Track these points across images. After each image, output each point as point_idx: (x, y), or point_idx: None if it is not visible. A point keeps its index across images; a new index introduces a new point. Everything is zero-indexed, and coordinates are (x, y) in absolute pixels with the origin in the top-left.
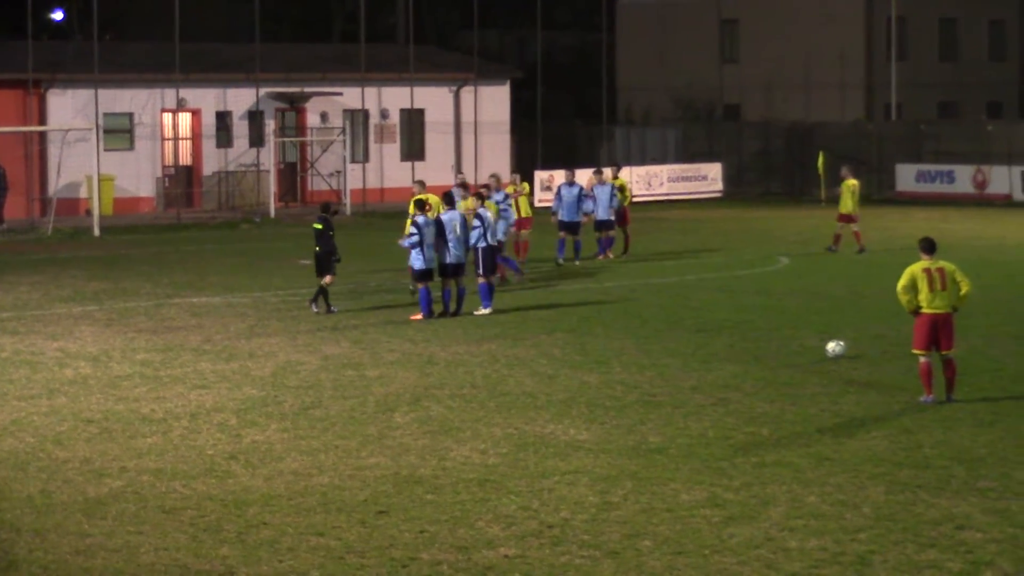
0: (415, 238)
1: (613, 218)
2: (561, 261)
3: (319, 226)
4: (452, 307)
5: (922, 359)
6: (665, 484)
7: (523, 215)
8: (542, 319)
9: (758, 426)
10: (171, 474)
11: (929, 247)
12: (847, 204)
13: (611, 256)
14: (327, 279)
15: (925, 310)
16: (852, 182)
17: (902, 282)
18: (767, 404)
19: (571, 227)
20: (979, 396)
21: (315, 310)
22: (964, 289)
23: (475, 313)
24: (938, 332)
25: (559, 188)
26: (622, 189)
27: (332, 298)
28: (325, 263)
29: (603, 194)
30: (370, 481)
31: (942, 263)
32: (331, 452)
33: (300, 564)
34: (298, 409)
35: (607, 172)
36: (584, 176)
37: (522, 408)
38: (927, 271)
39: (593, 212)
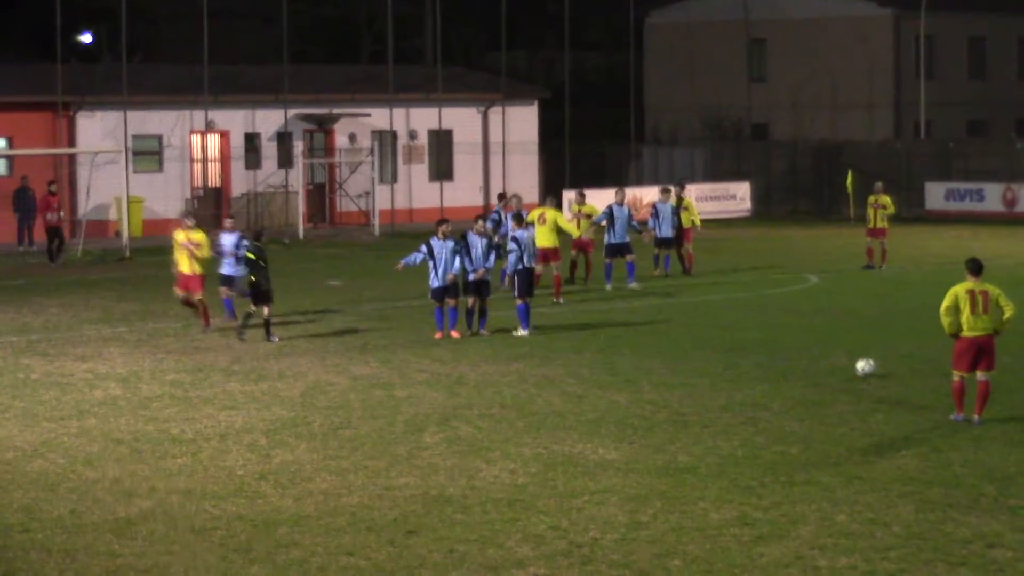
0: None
1: (673, 236)
2: (610, 287)
3: (252, 256)
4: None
5: (956, 378)
6: (695, 503)
7: (585, 236)
8: (571, 339)
9: (787, 445)
10: (201, 494)
11: (976, 268)
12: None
13: (667, 273)
14: (265, 310)
15: (966, 333)
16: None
17: (945, 303)
18: (796, 423)
19: (624, 249)
20: (1009, 415)
21: (276, 340)
22: (1008, 313)
23: (514, 334)
24: (979, 354)
25: (611, 208)
26: (687, 208)
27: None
28: (263, 292)
29: (666, 211)
30: (399, 501)
31: (987, 286)
32: (360, 472)
33: None
34: (327, 429)
35: (673, 191)
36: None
37: (551, 428)
38: (971, 292)
39: (653, 228)
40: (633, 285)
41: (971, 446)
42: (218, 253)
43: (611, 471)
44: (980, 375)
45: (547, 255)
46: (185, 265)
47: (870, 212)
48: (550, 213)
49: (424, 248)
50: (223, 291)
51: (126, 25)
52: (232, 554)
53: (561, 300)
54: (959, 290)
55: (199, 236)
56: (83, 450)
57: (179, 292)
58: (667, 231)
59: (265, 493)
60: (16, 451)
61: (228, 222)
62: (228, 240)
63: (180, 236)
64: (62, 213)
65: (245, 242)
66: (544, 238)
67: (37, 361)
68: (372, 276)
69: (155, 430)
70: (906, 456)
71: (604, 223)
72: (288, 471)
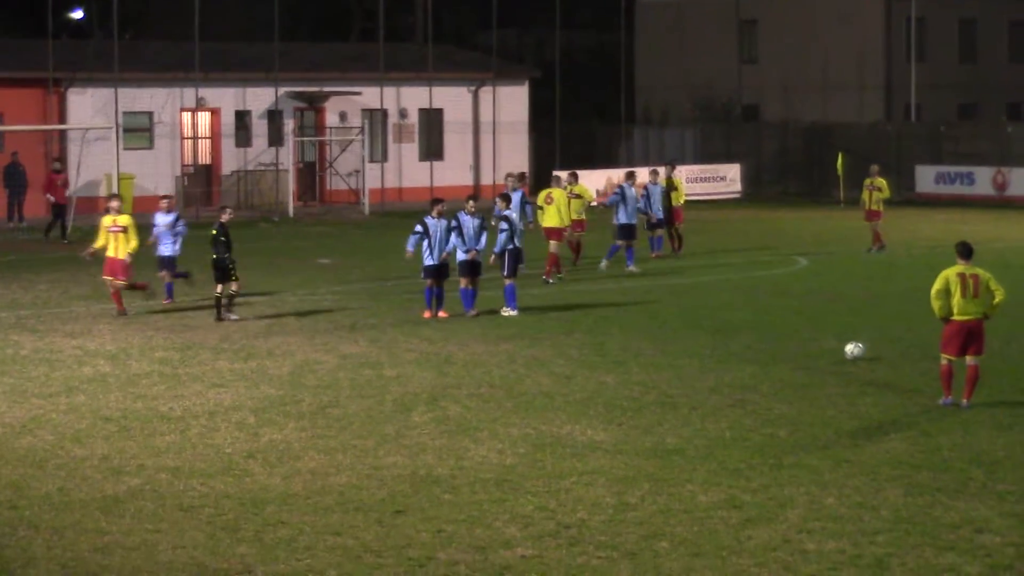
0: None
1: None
2: (605, 266)
3: (214, 231)
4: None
5: (944, 361)
6: (682, 485)
7: (575, 217)
8: (560, 319)
9: (776, 428)
10: (189, 472)
11: (966, 252)
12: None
13: (659, 254)
14: (234, 286)
15: (956, 316)
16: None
17: (936, 286)
18: (785, 406)
19: (632, 232)
20: (998, 399)
21: (235, 318)
22: (998, 298)
23: (502, 314)
24: (968, 339)
25: (622, 188)
26: (676, 188)
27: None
28: (224, 270)
29: (657, 193)
30: (387, 480)
31: (977, 270)
32: (349, 451)
33: (317, 563)
34: (316, 408)
35: (662, 172)
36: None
37: (540, 408)
38: (961, 276)
39: (651, 211)
40: (632, 268)
41: (960, 430)
42: (155, 233)
43: (599, 452)
44: (970, 359)
45: (550, 234)
46: (111, 249)
47: (866, 195)
48: (556, 193)
49: (419, 227)
50: (164, 276)
51: (117, 2)
52: (220, 532)
53: (551, 280)
54: (950, 273)
55: (125, 219)
56: (72, 427)
57: (107, 278)
58: (658, 212)
59: (253, 471)
60: (4, 427)
61: (164, 203)
62: (164, 220)
63: (107, 220)
64: (68, 192)
65: (182, 222)
66: (551, 218)
67: (26, 337)
68: (362, 255)
69: (144, 407)
70: (895, 440)
71: (614, 203)
72: (276, 450)
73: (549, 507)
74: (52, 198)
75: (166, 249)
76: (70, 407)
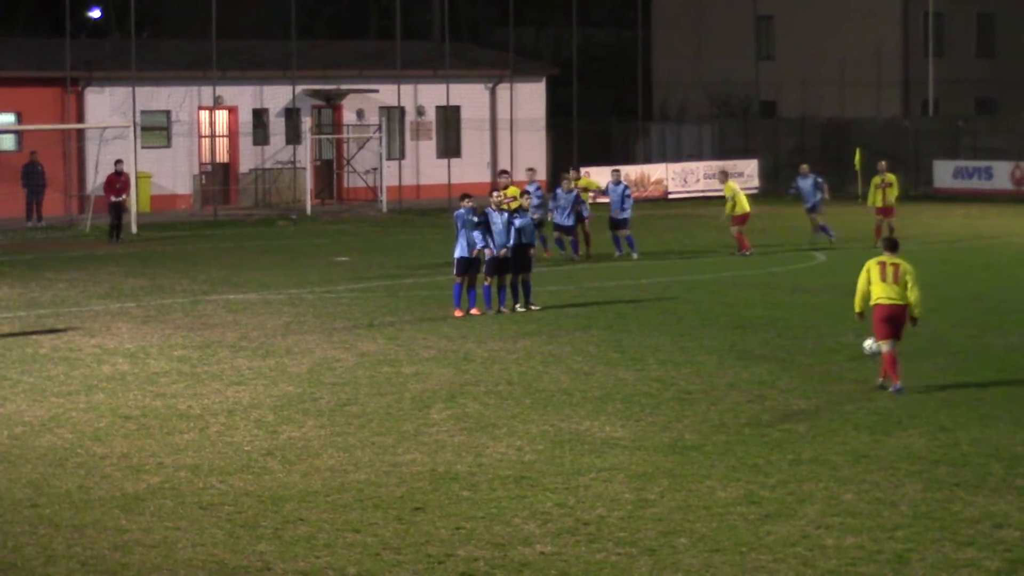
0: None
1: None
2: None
3: None
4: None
5: (885, 349)
6: (701, 481)
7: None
8: (578, 316)
9: (794, 423)
10: (208, 470)
11: (891, 247)
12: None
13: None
14: None
15: (882, 301)
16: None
17: (861, 276)
18: (803, 401)
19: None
20: (1018, 394)
21: None
22: (913, 295)
23: (517, 308)
24: (895, 323)
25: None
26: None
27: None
28: None
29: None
30: (406, 478)
31: (900, 260)
32: (367, 448)
33: (336, 560)
34: (334, 405)
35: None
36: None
37: (558, 405)
38: (881, 264)
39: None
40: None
41: (978, 425)
42: None
43: (618, 449)
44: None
45: (741, 219)
46: None
47: (879, 192)
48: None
49: (457, 219)
50: None
51: (135, 1)
52: (239, 530)
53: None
54: (871, 263)
55: None
56: (91, 425)
57: None
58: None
59: (272, 469)
60: (24, 426)
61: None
62: None
63: None
64: (124, 196)
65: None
66: (744, 205)
67: (45, 336)
68: (379, 252)
69: (163, 405)
70: (913, 435)
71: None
72: (295, 447)
73: (568, 504)
74: (115, 199)
75: None
76: (89, 405)
